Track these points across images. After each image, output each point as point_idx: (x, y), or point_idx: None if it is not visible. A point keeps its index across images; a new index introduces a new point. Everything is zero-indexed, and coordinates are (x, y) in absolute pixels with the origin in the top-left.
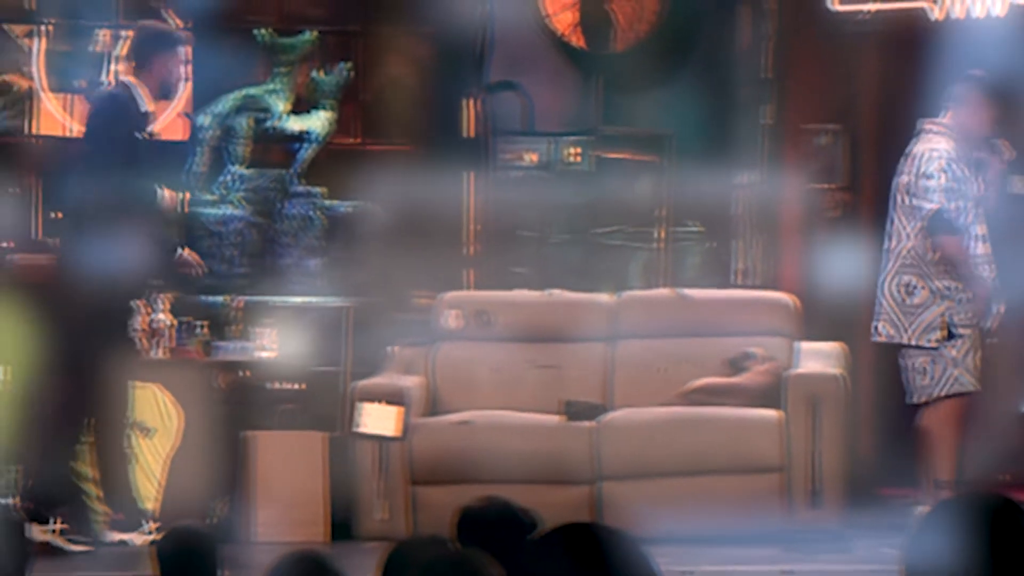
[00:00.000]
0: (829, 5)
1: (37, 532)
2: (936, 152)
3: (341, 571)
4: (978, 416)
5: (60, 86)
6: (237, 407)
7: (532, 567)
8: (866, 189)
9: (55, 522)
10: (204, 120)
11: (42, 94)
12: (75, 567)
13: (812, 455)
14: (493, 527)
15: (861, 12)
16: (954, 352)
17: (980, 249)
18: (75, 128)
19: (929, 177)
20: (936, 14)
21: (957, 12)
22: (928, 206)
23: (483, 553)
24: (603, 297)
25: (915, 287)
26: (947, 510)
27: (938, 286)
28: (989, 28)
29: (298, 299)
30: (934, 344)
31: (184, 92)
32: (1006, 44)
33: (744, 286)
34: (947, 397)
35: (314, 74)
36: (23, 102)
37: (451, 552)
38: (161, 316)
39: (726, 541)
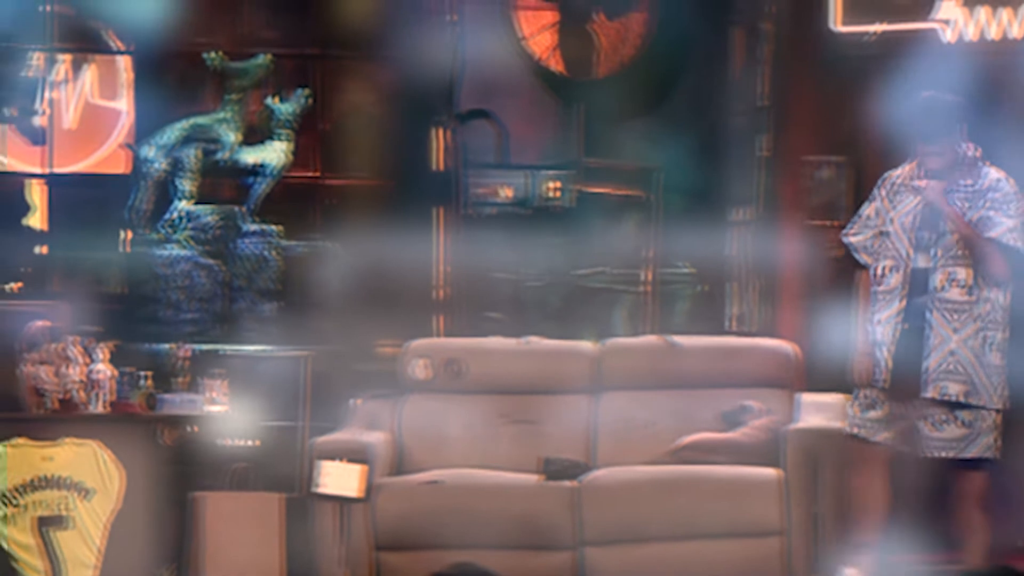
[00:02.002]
0: (831, 26)
1: None
2: None
3: None
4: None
5: None
6: (184, 466)
7: None
8: None
9: None
10: (148, 152)
11: None
12: None
13: (814, 517)
14: None
15: (866, 34)
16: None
17: (883, 285)
18: (5, 161)
19: None
20: (948, 36)
21: (971, 34)
22: None
23: None
24: (585, 345)
25: None
26: None
27: None
28: (1005, 51)
29: (251, 347)
30: None
31: (126, 121)
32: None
33: (739, 333)
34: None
35: (269, 101)
36: None
37: None
38: (100, 366)
39: None
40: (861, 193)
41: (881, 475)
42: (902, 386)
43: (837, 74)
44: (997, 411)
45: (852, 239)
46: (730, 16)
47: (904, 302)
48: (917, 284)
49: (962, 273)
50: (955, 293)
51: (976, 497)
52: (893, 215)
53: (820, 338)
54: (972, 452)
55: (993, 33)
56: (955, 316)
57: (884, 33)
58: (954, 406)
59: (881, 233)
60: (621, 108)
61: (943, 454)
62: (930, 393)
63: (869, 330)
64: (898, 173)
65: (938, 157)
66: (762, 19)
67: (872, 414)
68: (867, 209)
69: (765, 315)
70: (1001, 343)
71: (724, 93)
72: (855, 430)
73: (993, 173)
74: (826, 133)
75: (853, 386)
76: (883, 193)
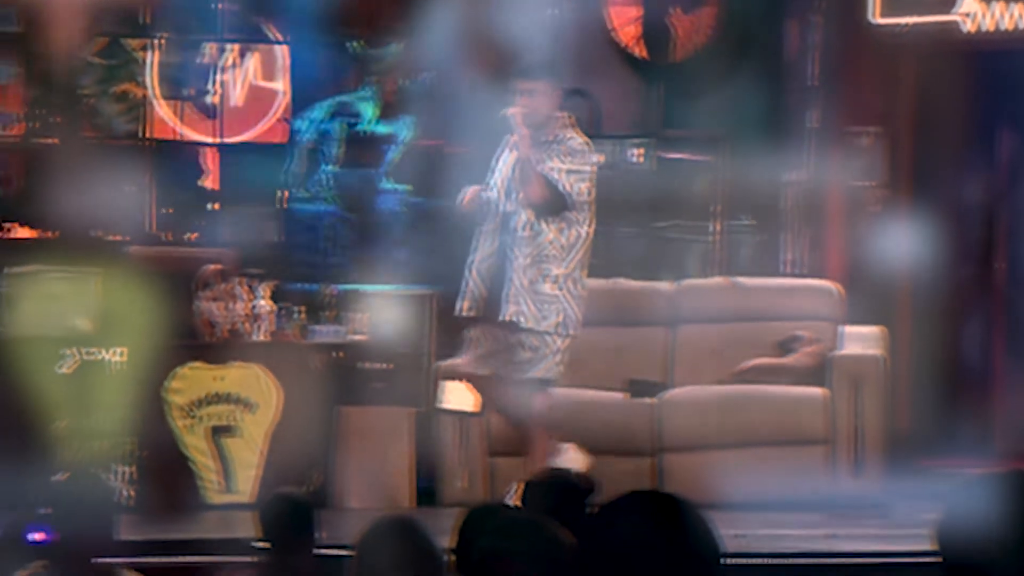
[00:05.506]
0: (871, 18)
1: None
2: None
3: (428, 533)
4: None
5: (171, 94)
6: (331, 385)
7: (602, 531)
8: (903, 186)
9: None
10: (301, 125)
11: (155, 101)
12: (182, 529)
13: (855, 429)
14: (553, 493)
15: (900, 25)
16: None
17: (484, 227)
18: (184, 132)
19: None
20: (968, 26)
21: (987, 24)
22: None
23: (549, 518)
24: (664, 285)
25: None
26: (981, 482)
27: None
28: (1016, 39)
29: (386, 287)
30: None
31: (283, 99)
32: None
33: (792, 275)
34: None
35: (401, 82)
36: (138, 108)
37: (520, 516)
38: (262, 302)
39: (775, 507)
40: (895, 158)
41: (495, 404)
42: (496, 319)
43: (875, 59)
44: (561, 337)
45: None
46: (786, 10)
47: (497, 242)
48: (506, 225)
49: (528, 213)
50: (522, 229)
51: (537, 413)
52: (497, 168)
53: (860, 279)
54: (535, 372)
55: (1006, 24)
56: (519, 249)
57: (915, 25)
58: (522, 333)
59: (488, 185)
60: (694, 87)
61: (518, 375)
62: (499, 315)
63: (469, 271)
64: (509, 139)
65: (528, 97)
66: (813, 12)
67: (479, 351)
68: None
69: (814, 260)
70: (558, 277)
71: (781, 74)
72: (468, 367)
73: (569, 133)
74: (866, 108)
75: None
76: (496, 155)
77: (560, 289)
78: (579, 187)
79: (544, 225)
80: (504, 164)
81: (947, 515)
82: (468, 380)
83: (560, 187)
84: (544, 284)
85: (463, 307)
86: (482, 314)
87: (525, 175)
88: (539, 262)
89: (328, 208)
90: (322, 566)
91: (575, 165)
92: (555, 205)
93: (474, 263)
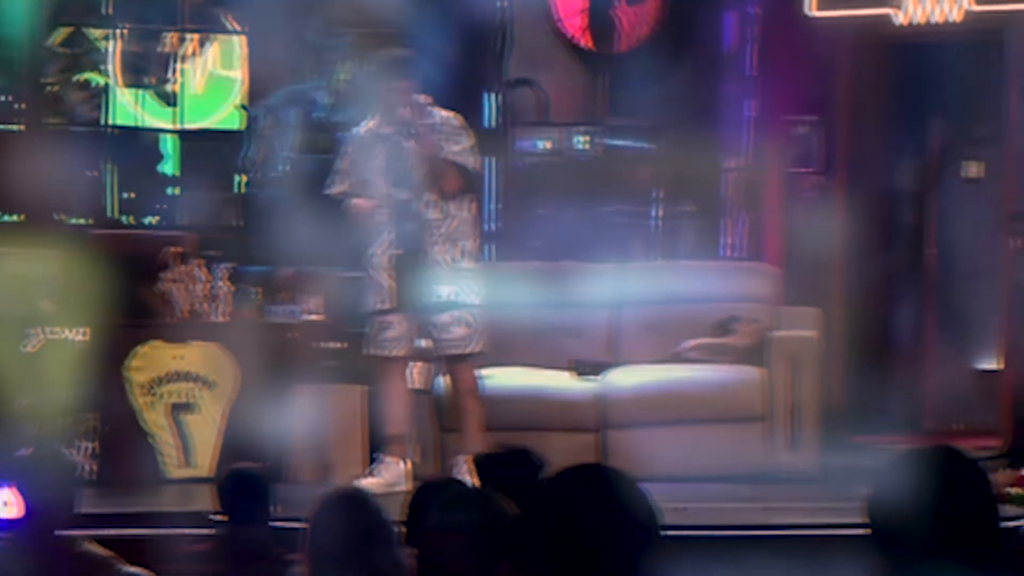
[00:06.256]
0: (807, 11)
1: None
2: None
3: (379, 507)
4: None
5: (132, 82)
6: (287, 363)
7: (545, 502)
8: (839, 173)
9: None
10: (258, 112)
11: (117, 89)
12: (142, 503)
13: (791, 406)
14: (506, 468)
15: (835, 18)
16: None
17: (374, 220)
18: (145, 119)
19: None
20: (900, 19)
21: (918, 17)
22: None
23: (496, 490)
24: (608, 267)
25: None
26: (908, 457)
27: None
28: (946, 32)
29: (340, 269)
30: None
31: (241, 87)
32: (961, 45)
33: (732, 258)
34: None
35: (355, 71)
36: (100, 96)
37: (467, 489)
38: (221, 283)
39: (715, 481)
40: (831, 146)
41: (401, 381)
42: (408, 303)
43: (811, 50)
44: (482, 308)
45: (335, 191)
46: (725, 3)
47: (393, 232)
48: (404, 214)
49: (433, 197)
50: (431, 214)
51: (472, 386)
52: (366, 164)
53: (796, 262)
54: (472, 347)
55: (936, 17)
56: (433, 233)
57: (849, 18)
58: (458, 310)
59: (363, 180)
60: (638, 77)
61: (453, 351)
62: (429, 298)
63: (367, 262)
64: (364, 128)
65: (402, 95)
66: (752, 5)
67: (389, 334)
68: (341, 164)
69: (752, 244)
70: (472, 251)
71: (720, 65)
72: (374, 351)
73: (444, 113)
74: (802, 98)
75: (368, 314)
76: (352, 148)
77: (474, 262)
78: (477, 161)
79: (451, 205)
80: (373, 158)
81: (876, 488)
82: (383, 361)
83: (469, 168)
84: (463, 260)
85: (375, 302)
86: (395, 305)
87: (437, 170)
88: (455, 240)
89: (284, 193)
90: (277, 538)
91: (465, 143)
92: (468, 186)
93: (374, 256)
